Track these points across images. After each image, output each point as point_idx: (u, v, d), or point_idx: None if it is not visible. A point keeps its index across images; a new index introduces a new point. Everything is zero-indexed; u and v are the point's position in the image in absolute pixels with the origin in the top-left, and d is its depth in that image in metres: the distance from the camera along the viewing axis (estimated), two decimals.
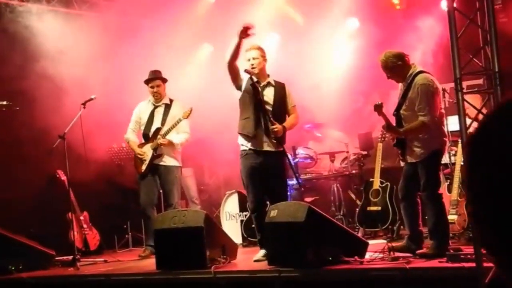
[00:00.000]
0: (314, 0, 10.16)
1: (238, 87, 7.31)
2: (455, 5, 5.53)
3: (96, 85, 9.18)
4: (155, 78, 8.66)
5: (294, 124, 7.47)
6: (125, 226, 10.09)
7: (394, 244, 6.49)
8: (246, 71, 7.14)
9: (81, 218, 9.56)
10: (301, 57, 10.09)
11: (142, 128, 8.77)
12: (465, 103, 5.49)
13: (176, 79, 9.43)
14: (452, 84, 6.83)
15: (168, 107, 8.73)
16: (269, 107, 7.20)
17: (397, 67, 6.41)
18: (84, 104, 8.34)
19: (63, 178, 9.28)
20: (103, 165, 9.47)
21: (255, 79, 7.19)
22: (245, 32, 6.88)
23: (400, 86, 6.55)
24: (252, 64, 7.22)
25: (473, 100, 6.59)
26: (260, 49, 7.35)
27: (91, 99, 8.39)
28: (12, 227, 8.31)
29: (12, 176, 9.29)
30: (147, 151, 8.63)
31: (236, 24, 9.69)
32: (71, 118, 8.34)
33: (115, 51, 9.52)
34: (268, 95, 7.31)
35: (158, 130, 8.60)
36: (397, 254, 6.24)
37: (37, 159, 9.13)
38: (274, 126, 7.07)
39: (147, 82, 8.70)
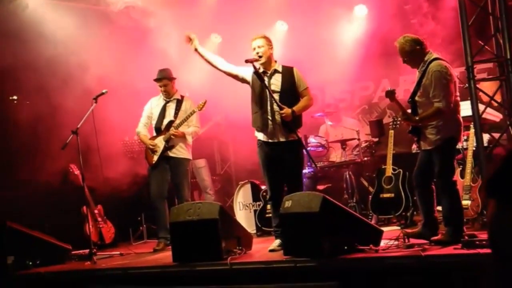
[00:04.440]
0: None
1: (246, 82, 7.38)
2: None
3: (107, 79, 9.20)
4: (162, 79, 8.73)
5: (306, 106, 7.29)
6: (139, 218, 10.16)
7: (408, 230, 6.49)
8: (246, 61, 7.10)
9: (96, 211, 9.64)
10: (309, 44, 10.06)
11: (154, 122, 8.83)
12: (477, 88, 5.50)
13: (185, 70, 9.46)
14: (462, 69, 6.86)
15: (179, 102, 8.79)
16: (276, 95, 7.14)
17: (415, 51, 6.37)
18: (95, 98, 8.35)
19: (77, 172, 9.35)
20: (116, 159, 9.51)
21: (257, 66, 7.21)
22: (189, 42, 7.33)
23: (417, 72, 6.53)
24: (258, 53, 7.21)
25: (486, 84, 6.60)
26: (265, 37, 7.33)
27: (103, 94, 8.41)
28: (27, 223, 8.37)
29: (26, 171, 9.34)
30: (159, 143, 8.68)
31: (243, 14, 9.77)
32: (83, 112, 8.38)
33: (126, 45, 9.54)
34: (275, 82, 7.25)
35: (171, 122, 8.66)
36: (412, 241, 6.25)
37: (50, 154, 9.18)
38: (282, 111, 7.03)
39: (156, 80, 8.77)
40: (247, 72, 7.34)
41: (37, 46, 9.27)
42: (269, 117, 7.17)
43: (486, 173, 5.56)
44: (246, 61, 7.10)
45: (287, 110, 7.03)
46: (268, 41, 7.33)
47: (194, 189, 10.79)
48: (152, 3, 9.98)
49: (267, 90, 7.13)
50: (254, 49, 7.25)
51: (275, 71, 7.31)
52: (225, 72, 7.45)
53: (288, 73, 7.32)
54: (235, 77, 7.42)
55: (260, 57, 7.21)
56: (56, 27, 9.61)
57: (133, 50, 9.54)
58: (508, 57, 5.25)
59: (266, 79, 7.24)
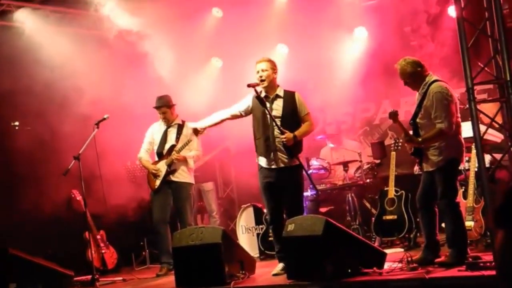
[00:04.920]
0: (321, 10, 10.13)
1: (249, 114, 7.38)
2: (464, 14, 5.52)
3: (106, 104, 9.21)
4: (160, 106, 8.75)
5: (307, 132, 7.28)
6: (141, 243, 10.12)
7: (412, 256, 6.44)
8: (248, 85, 7.07)
9: (98, 237, 9.60)
10: (309, 67, 10.07)
11: (155, 147, 8.84)
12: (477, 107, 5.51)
13: (187, 95, 9.48)
14: (461, 90, 6.87)
15: (180, 127, 8.80)
16: (278, 120, 7.10)
17: (416, 73, 6.42)
18: (97, 124, 8.39)
19: (79, 198, 9.33)
20: (118, 184, 9.50)
21: (259, 90, 7.18)
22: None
23: (417, 95, 6.56)
24: (261, 76, 7.18)
25: (487, 105, 6.61)
26: (269, 61, 7.29)
27: (104, 119, 8.44)
28: (29, 249, 8.34)
29: (28, 198, 9.32)
30: (161, 167, 8.68)
31: (243, 38, 9.79)
32: (83, 137, 8.39)
33: (124, 69, 9.56)
34: (277, 108, 7.22)
35: (172, 147, 8.67)
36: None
37: (52, 180, 9.17)
38: (283, 136, 7.01)
39: (155, 108, 8.79)
40: (248, 102, 7.34)
41: (34, 71, 9.28)
42: (271, 144, 7.14)
43: (492, 202, 5.55)
44: (248, 86, 7.07)
45: (288, 135, 7.00)
46: (273, 65, 7.29)
47: (198, 213, 10.76)
48: (151, 26, 9.99)
49: (268, 116, 7.11)
50: (258, 72, 7.22)
51: (277, 96, 7.28)
52: (232, 118, 7.49)
53: (290, 98, 7.29)
54: (241, 115, 7.44)
55: (263, 81, 7.18)
56: (53, 52, 9.63)
57: (131, 74, 9.55)
58: (508, 78, 5.26)
59: (267, 104, 7.20)
